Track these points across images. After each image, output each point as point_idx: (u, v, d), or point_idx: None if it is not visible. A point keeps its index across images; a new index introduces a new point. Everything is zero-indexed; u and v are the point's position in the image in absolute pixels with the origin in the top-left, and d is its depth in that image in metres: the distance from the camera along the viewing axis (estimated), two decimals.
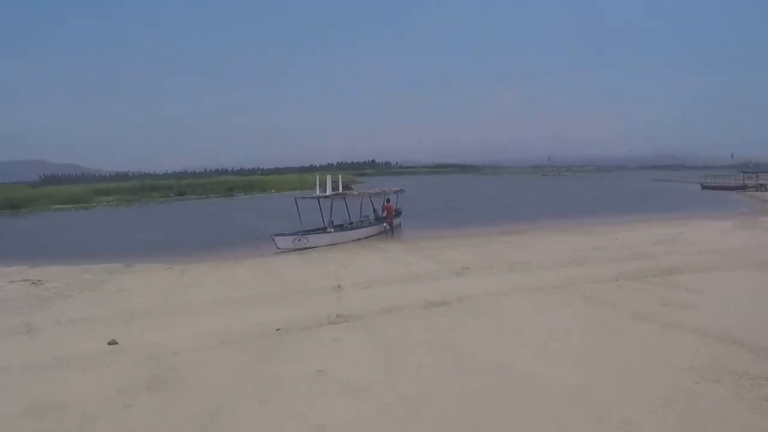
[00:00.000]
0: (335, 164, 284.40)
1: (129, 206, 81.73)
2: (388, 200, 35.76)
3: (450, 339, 10.67)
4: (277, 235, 28.38)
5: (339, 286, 16.61)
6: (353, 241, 30.48)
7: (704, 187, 79.18)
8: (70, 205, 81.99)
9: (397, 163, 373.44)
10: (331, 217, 32.26)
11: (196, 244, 32.28)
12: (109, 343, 11.43)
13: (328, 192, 32.77)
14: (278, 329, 11.98)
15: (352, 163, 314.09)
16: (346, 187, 35.83)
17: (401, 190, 39.01)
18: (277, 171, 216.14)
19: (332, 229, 31.40)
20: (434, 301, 13.70)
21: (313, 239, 29.09)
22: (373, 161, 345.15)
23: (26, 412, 8.27)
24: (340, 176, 35.92)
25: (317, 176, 35.39)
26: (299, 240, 28.38)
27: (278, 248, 27.55)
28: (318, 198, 32.30)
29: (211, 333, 11.93)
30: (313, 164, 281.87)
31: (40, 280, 20.42)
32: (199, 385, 9.04)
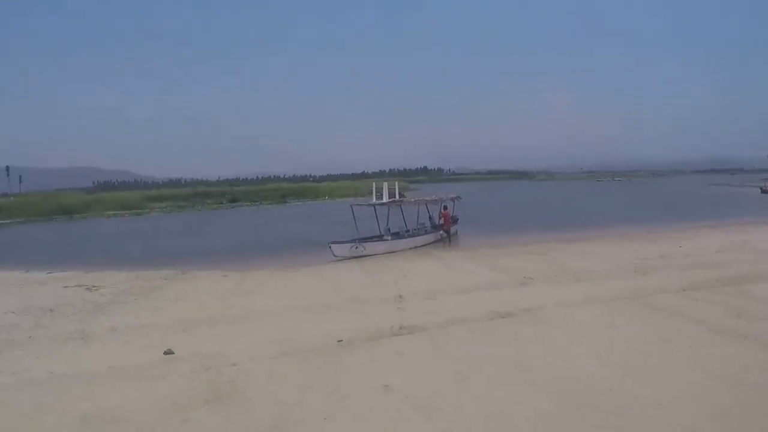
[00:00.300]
0: (387, 171, 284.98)
1: (182, 212, 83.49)
2: (445, 207, 35.47)
3: (519, 353, 10.31)
4: (333, 242, 28.27)
5: (400, 296, 16.19)
6: (410, 249, 30.18)
7: (764, 191, 76.46)
8: (124, 211, 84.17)
9: (449, 170, 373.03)
10: (387, 225, 32.08)
11: (251, 251, 32.43)
12: (165, 353, 11.17)
13: (385, 199, 32.60)
14: (340, 340, 11.62)
15: (405, 170, 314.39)
16: (399, 194, 35.54)
17: (458, 197, 38.52)
18: (330, 178, 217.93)
19: (389, 237, 31.17)
20: (500, 312, 13.33)
21: (370, 247, 28.90)
22: (425, 168, 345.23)
23: (79, 423, 8.06)
24: (396, 183, 35.60)
25: (373, 183, 35.66)
26: (356, 248, 28.23)
27: (335, 256, 27.48)
28: (374, 205, 32.24)
29: (272, 343, 11.63)
30: (365, 171, 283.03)
31: (94, 286, 20.54)
32: (260, 398, 8.70)
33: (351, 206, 32.11)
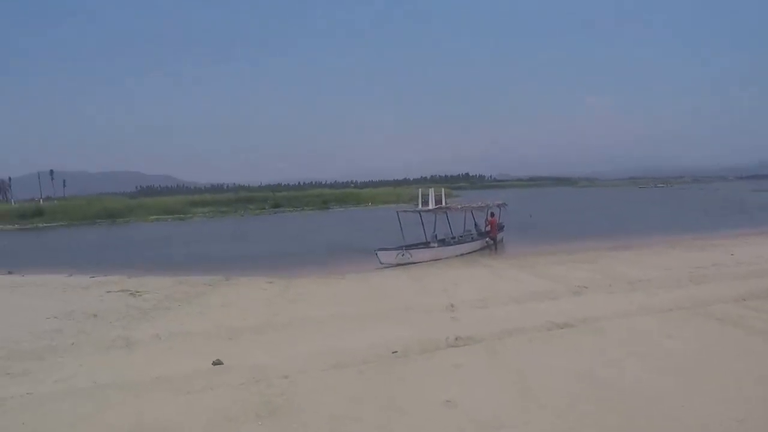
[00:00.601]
0: (429, 177, 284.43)
1: (224, 218, 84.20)
2: (492, 214, 35.30)
3: (581, 365, 9.99)
4: (380, 249, 27.94)
5: (452, 305, 15.77)
6: (456, 256, 29.82)
7: None
8: (167, 216, 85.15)
9: (491, 177, 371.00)
10: (434, 231, 31.72)
11: (295, 258, 32.33)
12: (214, 363, 10.84)
13: (431, 205, 32.28)
14: (394, 351, 11.24)
15: (446, 176, 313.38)
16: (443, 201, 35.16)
17: (504, 204, 37.98)
18: (371, 184, 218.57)
19: (435, 244, 30.79)
20: (557, 323, 13.02)
21: (417, 254, 28.55)
22: (466, 174, 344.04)
23: None
24: (443, 190, 35.23)
25: (419, 190, 35.14)
26: (402, 255, 27.87)
27: (381, 263, 27.16)
28: (420, 211, 32.03)
29: (323, 354, 11.26)
30: (407, 177, 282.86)
31: (138, 291, 20.51)
32: (314, 413, 8.34)
33: (397, 213, 31.86)
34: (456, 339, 11.94)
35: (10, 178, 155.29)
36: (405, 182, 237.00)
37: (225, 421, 8.14)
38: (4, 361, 11.82)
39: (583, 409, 8.07)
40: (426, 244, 30.72)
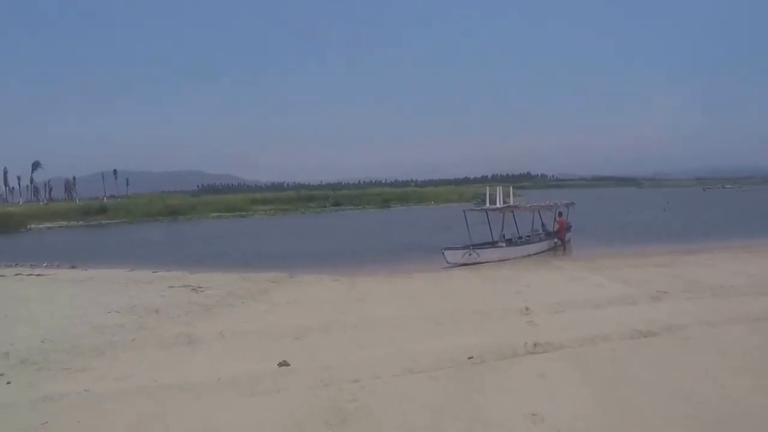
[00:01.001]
0: (490, 176, 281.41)
1: (285, 215, 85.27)
2: (560, 214, 34.63)
3: (671, 378, 9.30)
4: (447, 248, 27.44)
5: (527, 308, 15.05)
6: (524, 257, 29.21)
7: None
8: (228, 214, 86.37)
9: (552, 176, 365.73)
10: (502, 231, 31.01)
11: (359, 256, 32.16)
12: (280, 364, 10.35)
13: (498, 204, 31.84)
14: (470, 357, 10.56)
15: (507, 175, 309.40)
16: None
17: (572, 204, 36.94)
18: (431, 183, 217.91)
19: (503, 244, 30.14)
20: (641, 331, 12.24)
21: (484, 254, 28.05)
22: (528, 174, 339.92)
23: None
24: (511, 188, 34.45)
25: (486, 188, 35.17)
26: (469, 254, 27.34)
27: (448, 262, 26.66)
28: (487, 210, 31.63)
29: (394, 357, 10.66)
30: (467, 176, 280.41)
31: (200, 287, 20.41)
32: (390, 423, 7.77)
33: (464, 211, 31.23)
34: (535, 345, 11.27)
35: (74, 178, 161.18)
36: (465, 181, 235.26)
37: (292, 427, 7.65)
38: (64, 355, 11.66)
39: (680, 429, 7.45)
40: (493, 244, 30.14)
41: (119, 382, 9.75)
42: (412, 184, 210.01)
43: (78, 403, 8.73)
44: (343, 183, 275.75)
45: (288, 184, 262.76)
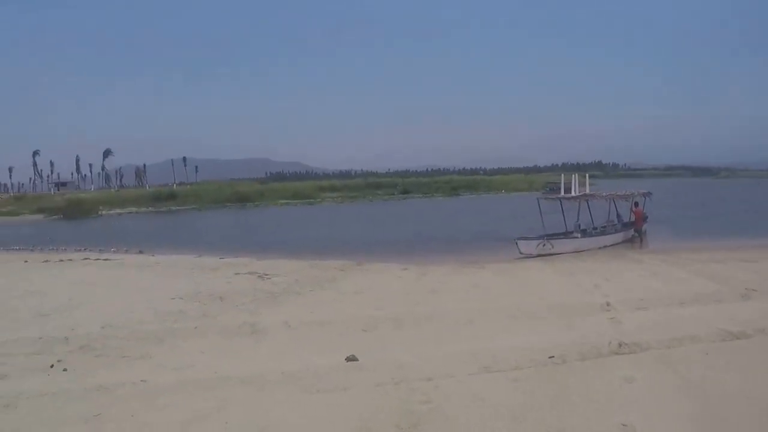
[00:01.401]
0: (560, 165, 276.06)
1: (353, 203, 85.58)
2: (636, 204, 33.32)
3: None
4: (520, 238, 26.71)
5: (608, 304, 14.20)
6: (599, 248, 28.08)
7: None
8: (295, 201, 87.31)
9: (625, 165, 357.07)
10: (578, 221, 30.16)
11: (428, 244, 31.63)
12: (348, 359, 9.80)
13: (574, 192, 30.86)
14: (551, 357, 9.81)
15: (577, 164, 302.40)
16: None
17: (648, 194, 35.46)
18: (500, 171, 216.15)
19: (578, 234, 29.16)
20: (732, 332, 11.29)
21: (558, 244, 27.12)
22: (599, 162, 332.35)
23: None
24: (587, 176, 33.29)
25: (562, 176, 33.91)
26: (543, 245, 26.46)
27: (521, 253, 25.91)
28: (561, 199, 30.53)
29: (469, 354, 10.01)
30: (537, 165, 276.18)
31: (267, 274, 20.21)
32: (467, 428, 7.10)
33: (537, 200, 30.45)
34: (619, 345, 10.47)
35: (145, 165, 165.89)
36: (535, 170, 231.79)
37: (360, 429, 7.11)
38: (123, 342, 11.51)
39: None
40: (566, 234, 29.25)
41: (177, 372, 9.43)
42: (480, 172, 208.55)
43: (133, 394, 8.44)
44: (411, 171, 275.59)
45: (355, 172, 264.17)
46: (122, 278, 20.42)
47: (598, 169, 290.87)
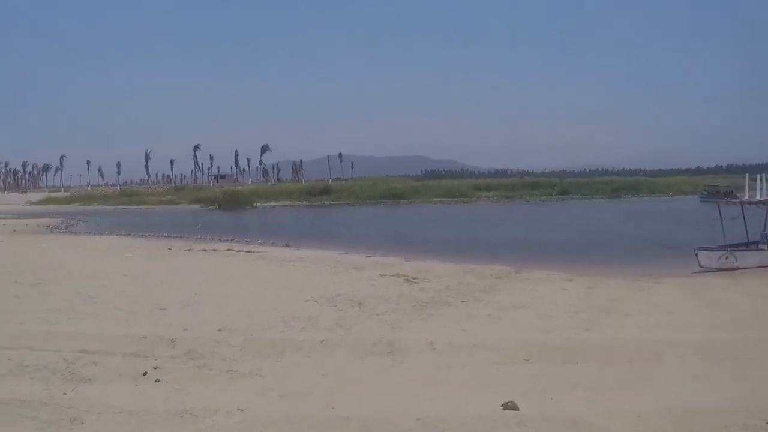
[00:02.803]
0: (724, 167, 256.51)
1: (509, 202, 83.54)
2: None
3: None
4: (701, 248, 23.52)
5: None
6: None
7: None
8: (450, 199, 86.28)
9: None
10: (765, 230, 25.93)
11: (594, 250, 28.93)
12: (505, 407, 7.35)
13: (761, 196, 26.89)
14: None
15: (744, 165, 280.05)
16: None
17: None
18: (660, 173, 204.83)
19: (765, 246, 25.24)
20: None
21: (742, 258, 23.88)
22: None
23: None
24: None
25: (745, 175, 31.13)
26: (726, 257, 23.35)
27: (701, 266, 22.75)
28: (743, 203, 26.97)
29: (665, 411, 7.51)
30: (700, 167, 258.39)
31: (415, 278, 18.50)
32: None
33: (718, 205, 27.18)
34: None
35: (301, 161, 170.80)
36: (698, 172, 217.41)
37: None
38: (236, 351, 10.04)
39: None
40: (749, 245, 25.64)
41: (286, 401, 7.68)
42: (640, 173, 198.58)
43: (222, 429, 6.78)
44: (567, 171, 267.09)
45: (511, 171, 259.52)
46: (259, 273, 19.65)
47: None
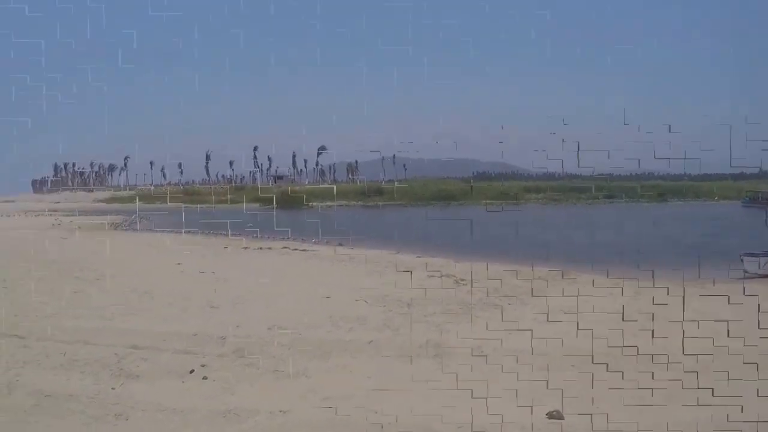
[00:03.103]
0: None
1: (557, 205, 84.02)
2: None
3: None
4: (746, 253, 22.72)
5: None
6: None
7: None
8: (499, 201, 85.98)
9: None
10: None
11: (639, 255, 27.66)
12: (550, 416, 7.01)
13: None
14: None
15: None
16: None
17: None
18: (706, 177, 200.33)
19: None
20: None
21: None
22: None
23: None
24: None
25: None
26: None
27: (746, 272, 21.59)
28: None
29: (713, 421, 7.15)
30: (743, 172, 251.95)
31: (463, 279, 18.07)
32: None
33: (766, 210, 25.57)
34: None
35: (356, 162, 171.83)
36: (741, 176, 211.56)
37: None
38: (284, 350, 9.82)
39: None
40: None
41: (328, 404, 7.38)
42: (686, 177, 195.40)
43: (264, 430, 6.59)
44: (614, 174, 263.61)
45: (559, 174, 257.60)
46: (312, 272, 19.80)
47: None
